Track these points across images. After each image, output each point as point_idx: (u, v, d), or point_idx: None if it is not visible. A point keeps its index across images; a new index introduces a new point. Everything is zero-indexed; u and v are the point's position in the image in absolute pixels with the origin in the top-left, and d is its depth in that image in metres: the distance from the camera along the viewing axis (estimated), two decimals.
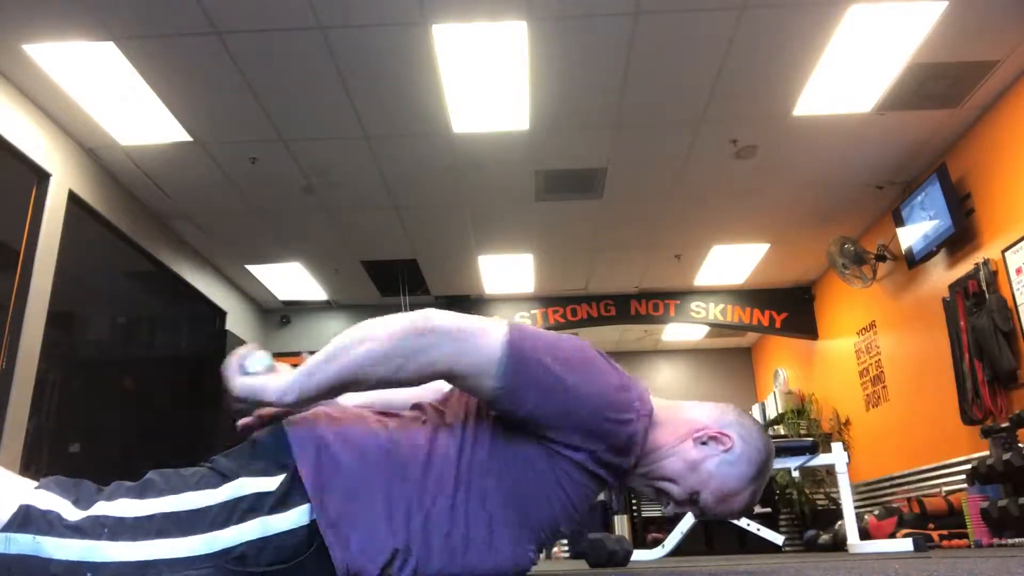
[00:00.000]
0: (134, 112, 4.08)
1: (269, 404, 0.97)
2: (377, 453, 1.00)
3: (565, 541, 5.83)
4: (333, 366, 0.95)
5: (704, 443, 1.09)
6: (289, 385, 0.95)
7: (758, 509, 6.42)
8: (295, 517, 0.93)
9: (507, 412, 1.00)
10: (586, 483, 1.05)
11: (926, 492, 4.97)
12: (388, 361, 0.94)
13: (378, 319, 0.98)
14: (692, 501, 1.11)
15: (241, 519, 0.92)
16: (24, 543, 0.88)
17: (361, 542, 0.94)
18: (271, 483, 0.95)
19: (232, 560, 0.90)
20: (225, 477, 0.95)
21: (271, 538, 0.92)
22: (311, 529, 0.93)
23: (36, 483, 0.95)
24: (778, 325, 7.09)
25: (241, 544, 0.91)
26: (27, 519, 0.89)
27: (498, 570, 1.00)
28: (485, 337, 0.97)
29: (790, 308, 7.07)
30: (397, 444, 1.01)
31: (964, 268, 4.58)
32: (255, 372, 0.99)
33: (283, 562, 0.92)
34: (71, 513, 0.91)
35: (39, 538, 0.88)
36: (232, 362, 1.00)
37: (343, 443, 1.00)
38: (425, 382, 1.00)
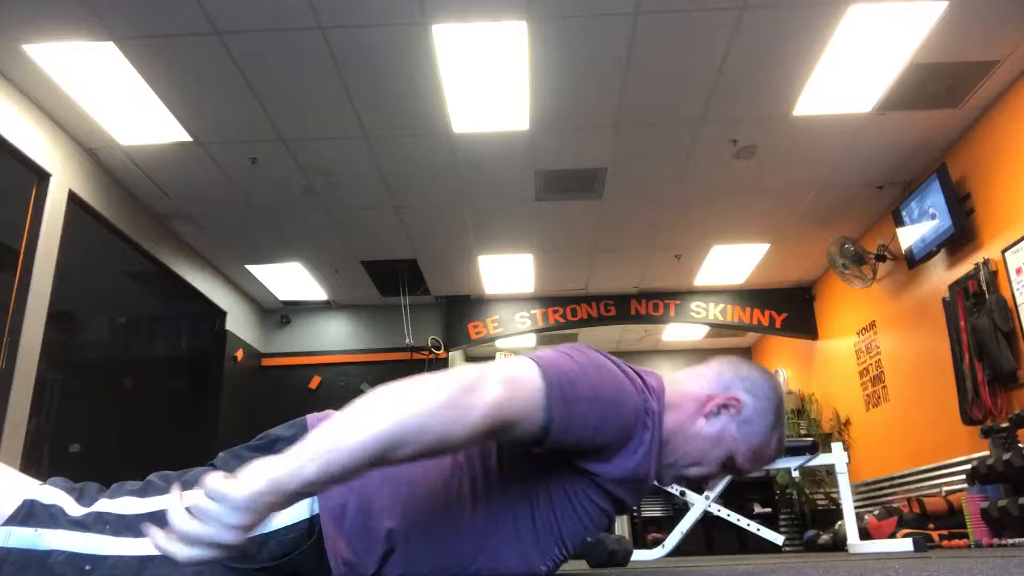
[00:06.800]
0: (134, 112, 4.08)
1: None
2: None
3: None
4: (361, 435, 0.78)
5: (716, 414, 1.06)
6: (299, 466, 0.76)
7: (758, 509, 6.44)
8: (296, 511, 0.94)
9: (555, 444, 0.92)
10: (605, 505, 1.05)
11: (926, 492, 4.96)
12: (442, 416, 0.81)
13: (411, 381, 0.84)
14: (726, 467, 1.09)
15: None
16: (25, 536, 0.89)
17: (360, 534, 0.94)
18: None
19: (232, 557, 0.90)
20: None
21: (271, 534, 0.93)
22: (311, 522, 0.94)
23: (41, 481, 0.96)
24: (778, 325, 7.08)
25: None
26: (31, 513, 0.90)
27: None
28: (523, 372, 0.90)
29: (790, 308, 7.06)
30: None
31: (964, 268, 4.58)
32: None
33: (282, 556, 0.93)
34: (74, 509, 0.92)
35: (40, 531, 0.89)
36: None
37: None
38: (472, 442, 0.86)
